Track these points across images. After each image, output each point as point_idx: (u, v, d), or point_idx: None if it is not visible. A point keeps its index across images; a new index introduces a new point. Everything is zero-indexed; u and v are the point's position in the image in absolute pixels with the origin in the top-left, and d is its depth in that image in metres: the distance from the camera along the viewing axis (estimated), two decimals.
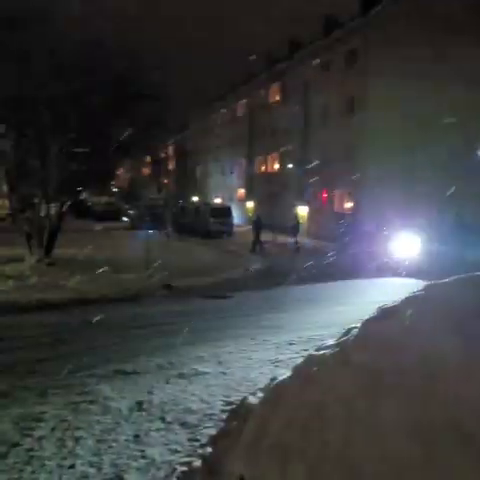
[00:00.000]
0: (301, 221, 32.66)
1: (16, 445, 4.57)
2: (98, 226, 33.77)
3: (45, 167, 16.92)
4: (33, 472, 4.12)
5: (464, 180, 24.35)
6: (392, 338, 3.91)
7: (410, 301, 4.51)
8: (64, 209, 18.05)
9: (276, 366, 6.61)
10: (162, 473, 4.04)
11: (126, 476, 4.02)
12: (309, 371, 4.87)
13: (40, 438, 4.70)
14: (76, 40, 16.66)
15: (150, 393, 5.73)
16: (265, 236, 27.25)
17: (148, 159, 62.69)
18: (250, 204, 40.89)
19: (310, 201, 32.20)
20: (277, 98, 38.47)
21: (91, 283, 13.95)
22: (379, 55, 25.70)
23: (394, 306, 4.78)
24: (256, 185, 40.71)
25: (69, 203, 18.60)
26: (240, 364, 6.85)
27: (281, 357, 7.07)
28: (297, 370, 5.18)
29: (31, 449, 4.49)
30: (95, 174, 19.54)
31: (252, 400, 4.89)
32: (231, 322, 10.06)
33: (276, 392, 4.81)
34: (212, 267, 16.91)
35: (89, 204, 42.52)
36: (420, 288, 4.94)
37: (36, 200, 17.70)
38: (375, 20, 26.40)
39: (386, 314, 4.73)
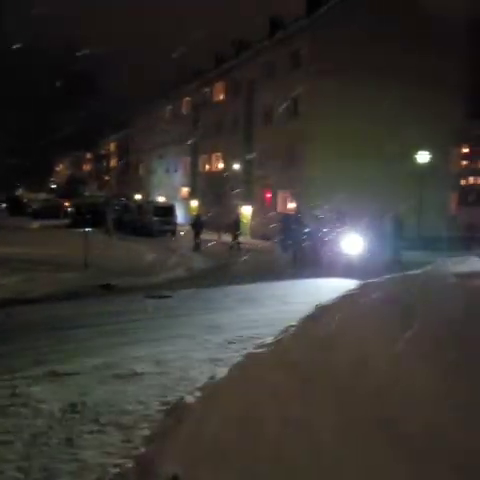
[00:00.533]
0: (245, 221, 32.92)
1: None
2: (35, 224, 32.71)
3: None
4: None
5: (402, 183, 25.28)
6: (325, 336, 3.98)
7: (344, 299, 4.62)
8: None
9: (216, 365, 6.58)
10: (94, 476, 3.95)
11: None
12: (246, 370, 4.89)
13: None
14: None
15: (85, 395, 5.58)
16: (210, 236, 27.26)
17: (89, 156, 61.38)
18: (194, 203, 40.73)
19: (254, 201, 32.44)
20: (222, 97, 38.51)
21: (27, 282, 13.46)
22: (323, 57, 26.19)
23: (329, 305, 4.88)
24: (200, 184, 40.62)
25: (3, 199, 17.88)
26: (179, 364, 6.79)
27: (221, 356, 7.07)
28: (234, 369, 5.19)
29: None
30: (32, 169, 18.90)
31: (189, 399, 4.85)
32: (171, 322, 9.97)
33: (213, 391, 4.80)
34: (154, 266, 16.70)
35: (25, 201, 40.98)
36: (355, 287, 5.07)
37: None
38: (319, 22, 26.83)
39: (321, 312, 4.82)
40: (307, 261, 18.62)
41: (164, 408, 5.02)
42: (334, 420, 3.22)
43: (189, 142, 43.15)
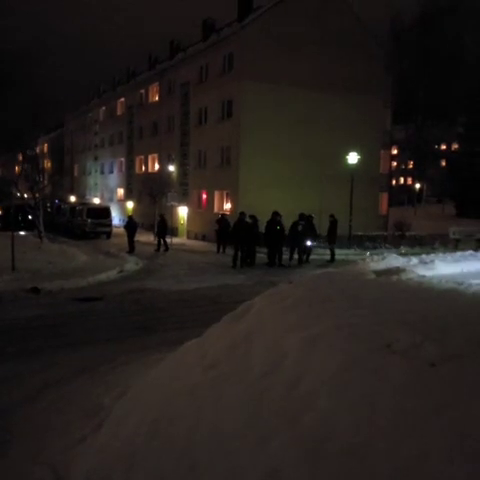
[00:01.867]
0: (182, 222, 32.78)
1: None
2: None
3: None
4: None
5: (335, 183, 25.95)
6: (243, 331, 4.04)
7: (262, 297, 4.73)
8: None
9: (142, 368, 6.53)
10: None
11: None
12: (169, 370, 4.89)
13: None
14: None
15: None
16: (146, 237, 26.98)
17: (21, 157, 59.07)
18: (130, 204, 40.12)
19: (190, 201, 32.33)
20: (157, 98, 38.15)
21: None
22: (254, 60, 26.50)
23: (250, 303, 4.98)
24: (136, 185, 40.03)
25: None
26: (103, 368, 6.69)
27: (146, 359, 7.00)
28: (156, 370, 5.18)
29: None
30: None
31: (108, 404, 4.80)
32: (101, 325, 9.79)
33: (132, 394, 4.76)
34: (86, 269, 16.30)
35: None
36: (280, 284, 5.18)
37: None
38: (250, 26, 27.08)
39: (243, 310, 4.90)
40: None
41: (84, 413, 4.94)
42: (240, 419, 3.27)
43: (124, 143, 42.51)
